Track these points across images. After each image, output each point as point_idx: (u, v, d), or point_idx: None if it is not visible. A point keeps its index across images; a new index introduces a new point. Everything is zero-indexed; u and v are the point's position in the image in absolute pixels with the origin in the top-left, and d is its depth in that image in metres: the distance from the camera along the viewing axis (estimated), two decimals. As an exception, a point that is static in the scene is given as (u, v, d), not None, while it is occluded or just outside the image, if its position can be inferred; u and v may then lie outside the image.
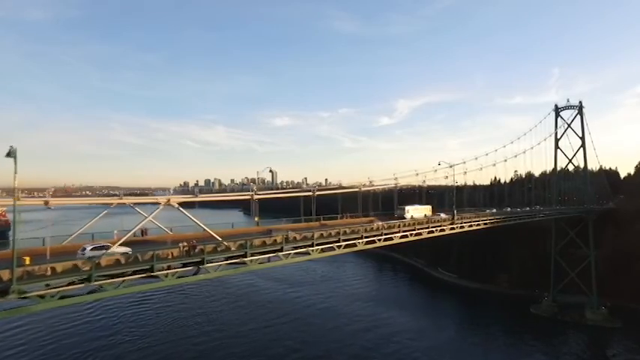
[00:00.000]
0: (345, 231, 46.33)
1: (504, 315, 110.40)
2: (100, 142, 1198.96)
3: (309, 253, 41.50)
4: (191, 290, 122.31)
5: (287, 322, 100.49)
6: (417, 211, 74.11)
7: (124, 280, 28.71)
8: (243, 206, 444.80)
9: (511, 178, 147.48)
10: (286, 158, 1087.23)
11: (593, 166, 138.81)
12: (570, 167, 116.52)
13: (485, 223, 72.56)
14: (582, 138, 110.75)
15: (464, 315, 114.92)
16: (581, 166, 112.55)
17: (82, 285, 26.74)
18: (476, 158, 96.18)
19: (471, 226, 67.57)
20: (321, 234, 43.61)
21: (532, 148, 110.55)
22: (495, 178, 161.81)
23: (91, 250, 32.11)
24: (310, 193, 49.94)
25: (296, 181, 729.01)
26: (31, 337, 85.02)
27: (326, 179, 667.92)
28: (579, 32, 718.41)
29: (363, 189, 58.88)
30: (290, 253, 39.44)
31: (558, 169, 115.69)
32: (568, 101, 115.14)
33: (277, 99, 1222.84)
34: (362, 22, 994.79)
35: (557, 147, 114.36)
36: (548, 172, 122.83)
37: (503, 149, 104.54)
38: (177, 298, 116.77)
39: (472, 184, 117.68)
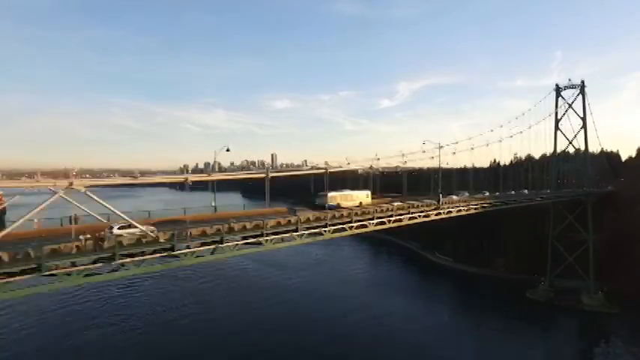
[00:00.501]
0: (357, 212, 48.01)
1: (500, 300, 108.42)
2: (100, 127, 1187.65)
3: (322, 234, 43.38)
4: (184, 274, 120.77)
5: (277, 304, 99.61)
6: (345, 199, 55.62)
7: (144, 260, 30.07)
8: (242, 188, 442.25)
9: (510, 161, 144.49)
10: (287, 141, 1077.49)
11: (594, 148, 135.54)
12: (570, 149, 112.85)
13: (475, 208, 69.19)
14: (583, 119, 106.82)
15: (459, 299, 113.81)
16: (582, 148, 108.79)
17: (102, 264, 28.28)
18: (470, 138, 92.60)
19: (459, 211, 64.42)
20: (334, 215, 45.58)
21: (530, 127, 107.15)
22: (495, 160, 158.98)
23: (118, 229, 33.69)
24: (263, 175, 46.43)
25: (295, 164, 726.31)
26: (11, 321, 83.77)
27: (326, 162, 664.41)
28: (581, 18, 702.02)
29: (331, 170, 55.05)
30: (304, 234, 41.28)
31: (558, 150, 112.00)
32: (570, 81, 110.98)
33: (277, 82, 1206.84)
34: (364, 5, 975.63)
35: (557, 128, 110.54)
36: (548, 154, 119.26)
37: (500, 129, 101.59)
38: (168, 282, 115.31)
39: (472, 166, 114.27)
